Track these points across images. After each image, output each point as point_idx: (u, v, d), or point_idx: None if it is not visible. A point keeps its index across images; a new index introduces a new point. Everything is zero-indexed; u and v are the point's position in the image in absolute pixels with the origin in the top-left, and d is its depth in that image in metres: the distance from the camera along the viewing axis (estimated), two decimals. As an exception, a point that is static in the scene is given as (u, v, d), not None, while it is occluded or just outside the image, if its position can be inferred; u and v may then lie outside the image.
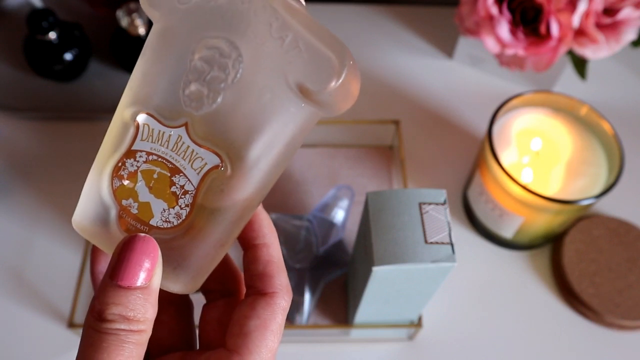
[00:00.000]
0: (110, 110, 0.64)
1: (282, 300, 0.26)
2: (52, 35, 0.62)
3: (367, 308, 0.46)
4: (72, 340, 0.52)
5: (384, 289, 0.42)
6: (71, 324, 0.50)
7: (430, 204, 0.39)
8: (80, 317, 0.52)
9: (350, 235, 0.57)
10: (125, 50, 0.65)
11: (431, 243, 0.37)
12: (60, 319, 0.53)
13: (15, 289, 0.55)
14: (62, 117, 0.65)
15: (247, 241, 0.27)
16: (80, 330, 0.50)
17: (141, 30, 0.62)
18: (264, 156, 0.24)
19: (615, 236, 0.57)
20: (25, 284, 0.55)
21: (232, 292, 0.29)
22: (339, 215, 0.55)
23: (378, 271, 0.38)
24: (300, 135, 0.25)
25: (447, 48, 0.73)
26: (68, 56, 0.64)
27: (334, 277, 0.54)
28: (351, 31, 0.75)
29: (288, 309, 0.26)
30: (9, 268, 0.56)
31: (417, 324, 0.50)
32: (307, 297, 0.52)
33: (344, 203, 0.56)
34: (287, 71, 0.23)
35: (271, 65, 0.23)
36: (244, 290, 0.28)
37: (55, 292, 0.55)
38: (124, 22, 0.61)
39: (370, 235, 0.38)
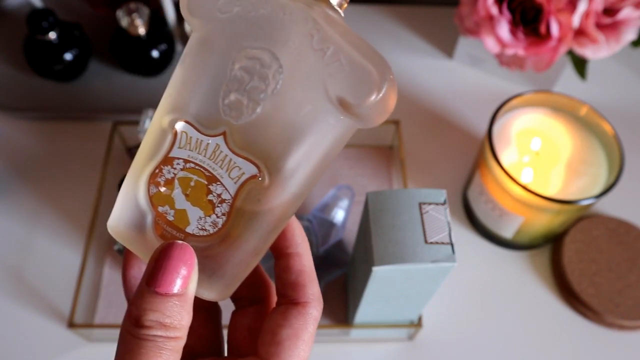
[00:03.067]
0: (110, 110, 0.64)
1: (314, 310, 0.26)
2: (52, 35, 0.62)
3: (367, 308, 0.46)
4: (72, 340, 0.52)
5: (384, 289, 0.42)
6: (71, 324, 0.49)
7: (430, 204, 0.39)
8: (80, 317, 0.52)
9: (350, 235, 0.57)
10: (125, 50, 0.65)
11: (431, 243, 0.37)
12: (60, 319, 0.53)
13: (15, 289, 0.55)
14: (62, 117, 0.65)
15: (280, 250, 0.27)
16: (80, 331, 0.50)
17: (141, 30, 0.62)
18: (301, 167, 0.24)
19: (615, 236, 0.57)
20: (25, 284, 0.55)
21: (262, 299, 0.29)
22: (339, 215, 0.55)
23: (378, 271, 0.38)
24: (336, 147, 0.25)
25: (447, 48, 0.73)
26: (68, 56, 0.64)
27: (334, 277, 0.54)
28: (351, 31, 0.75)
29: (319, 319, 0.26)
30: (9, 268, 0.56)
31: (417, 324, 0.50)
32: (307, 297, 0.52)
33: (344, 203, 0.56)
34: (327, 84, 0.23)
35: (311, 77, 0.23)
36: (273, 297, 0.28)
37: (55, 292, 0.55)
38: (124, 22, 0.61)
39: (370, 235, 0.38)
